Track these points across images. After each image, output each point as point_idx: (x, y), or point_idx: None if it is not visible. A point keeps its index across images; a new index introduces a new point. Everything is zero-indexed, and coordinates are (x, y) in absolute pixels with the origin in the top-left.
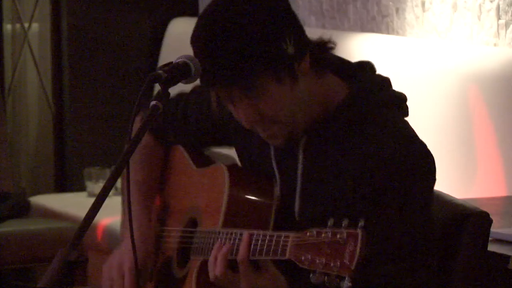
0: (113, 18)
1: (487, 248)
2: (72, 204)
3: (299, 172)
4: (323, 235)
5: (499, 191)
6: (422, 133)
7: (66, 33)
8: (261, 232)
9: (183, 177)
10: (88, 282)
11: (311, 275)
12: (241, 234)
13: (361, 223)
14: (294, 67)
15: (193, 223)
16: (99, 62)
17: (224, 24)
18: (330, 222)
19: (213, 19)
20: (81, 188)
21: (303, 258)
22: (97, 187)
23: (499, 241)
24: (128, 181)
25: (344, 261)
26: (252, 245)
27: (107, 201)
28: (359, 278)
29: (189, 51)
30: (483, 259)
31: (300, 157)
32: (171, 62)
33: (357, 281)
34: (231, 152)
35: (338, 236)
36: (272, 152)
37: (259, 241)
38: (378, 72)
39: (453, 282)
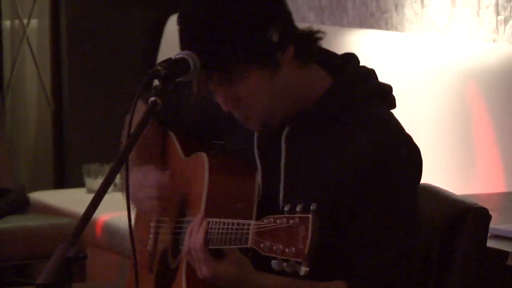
0: (112, 14)
1: (486, 244)
2: (71, 200)
3: (282, 162)
4: (278, 221)
5: (498, 187)
6: (421, 129)
7: (65, 29)
8: (222, 220)
9: (172, 166)
10: (87, 278)
11: (272, 261)
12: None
13: (313, 207)
14: (277, 56)
15: (183, 213)
16: (98, 58)
17: (208, 8)
18: (287, 207)
19: (197, 2)
20: (80, 184)
21: (262, 245)
22: (96, 183)
23: (498, 237)
24: (127, 178)
25: (299, 246)
26: (216, 233)
27: (106, 197)
28: (316, 264)
29: None
30: (482, 255)
31: (283, 147)
32: (170, 58)
33: (314, 265)
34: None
35: (291, 221)
36: (255, 142)
37: (222, 229)
38: (367, 65)
39: (452, 278)
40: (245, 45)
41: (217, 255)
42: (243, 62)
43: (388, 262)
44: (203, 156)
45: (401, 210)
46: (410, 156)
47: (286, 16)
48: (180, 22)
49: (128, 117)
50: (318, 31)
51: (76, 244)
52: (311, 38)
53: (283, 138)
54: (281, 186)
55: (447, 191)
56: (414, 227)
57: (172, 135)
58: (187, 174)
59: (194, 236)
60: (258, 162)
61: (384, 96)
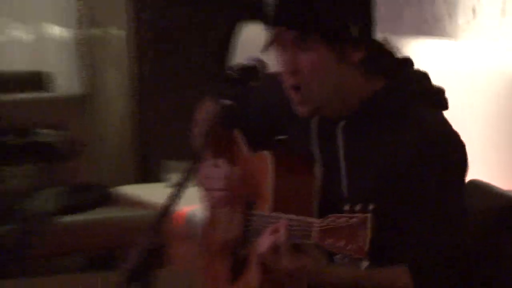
0: (186, 18)
1: None
2: (153, 194)
3: (341, 154)
4: (340, 220)
5: None
6: (473, 133)
7: (146, 35)
8: (287, 216)
9: (238, 162)
10: (166, 267)
11: (335, 257)
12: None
13: (371, 206)
14: (347, 49)
15: (250, 206)
16: (173, 60)
17: None
18: (346, 207)
19: None
20: (162, 179)
21: (325, 242)
22: (175, 178)
23: None
24: (195, 175)
25: (359, 243)
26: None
27: (187, 191)
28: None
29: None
30: None
31: (340, 140)
32: (242, 63)
33: (373, 259)
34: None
35: (351, 220)
36: (313, 136)
37: (289, 226)
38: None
39: (501, 274)
40: (329, 20)
41: (296, 250)
42: (320, 34)
43: (440, 251)
44: (267, 154)
45: (451, 203)
46: (457, 151)
47: (369, 22)
48: None
49: (197, 116)
50: (389, 43)
51: (156, 235)
52: (381, 50)
53: (339, 130)
54: (344, 175)
55: (496, 186)
56: (464, 217)
57: (236, 133)
58: (253, 170)
59: (279, 233)
60: (318, 156)
61: (435, 97)
